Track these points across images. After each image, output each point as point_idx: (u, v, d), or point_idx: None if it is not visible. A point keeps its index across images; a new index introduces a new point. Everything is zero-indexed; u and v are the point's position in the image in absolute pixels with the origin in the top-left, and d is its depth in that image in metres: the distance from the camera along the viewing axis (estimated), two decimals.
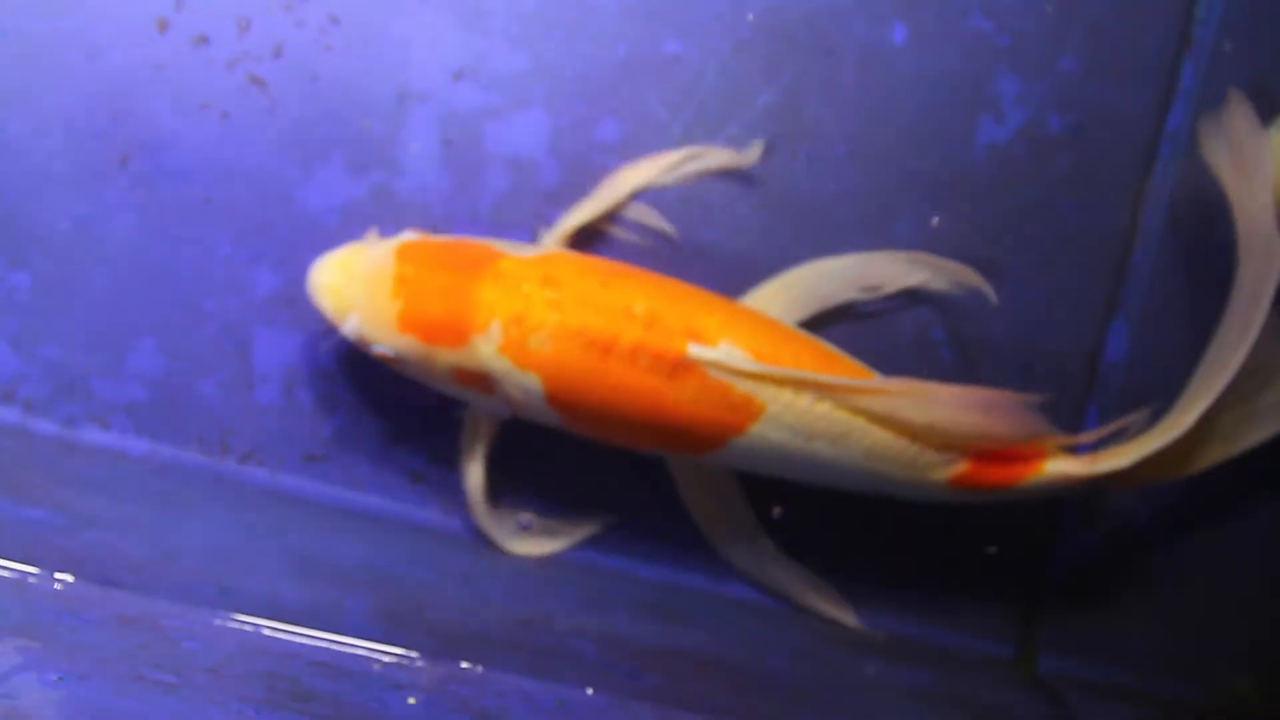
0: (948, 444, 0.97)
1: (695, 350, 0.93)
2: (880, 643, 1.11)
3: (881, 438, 0.95)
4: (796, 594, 1.11)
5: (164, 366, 1.07)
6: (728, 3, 1.07)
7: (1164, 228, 1.11)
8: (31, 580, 0.82)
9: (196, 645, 0.81)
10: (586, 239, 1.06)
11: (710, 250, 1.08)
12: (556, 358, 0.93)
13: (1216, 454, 1.01)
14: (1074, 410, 1.12)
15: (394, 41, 1.05)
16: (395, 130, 1.06)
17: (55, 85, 1.04)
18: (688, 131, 1.07)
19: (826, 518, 1.10)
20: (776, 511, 1.10)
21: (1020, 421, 0.96)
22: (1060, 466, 0.99)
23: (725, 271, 1.06)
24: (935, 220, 1.09)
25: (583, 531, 1.10)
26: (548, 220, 1.06)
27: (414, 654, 0.85)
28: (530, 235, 1.06)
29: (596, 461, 1.09)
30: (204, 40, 1.04)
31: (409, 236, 0.98)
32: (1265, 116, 0.99)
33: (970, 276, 1.05)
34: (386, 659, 0.84)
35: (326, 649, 0.84)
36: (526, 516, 1.10)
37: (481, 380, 0.96)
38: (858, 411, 0.94)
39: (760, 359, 0.94)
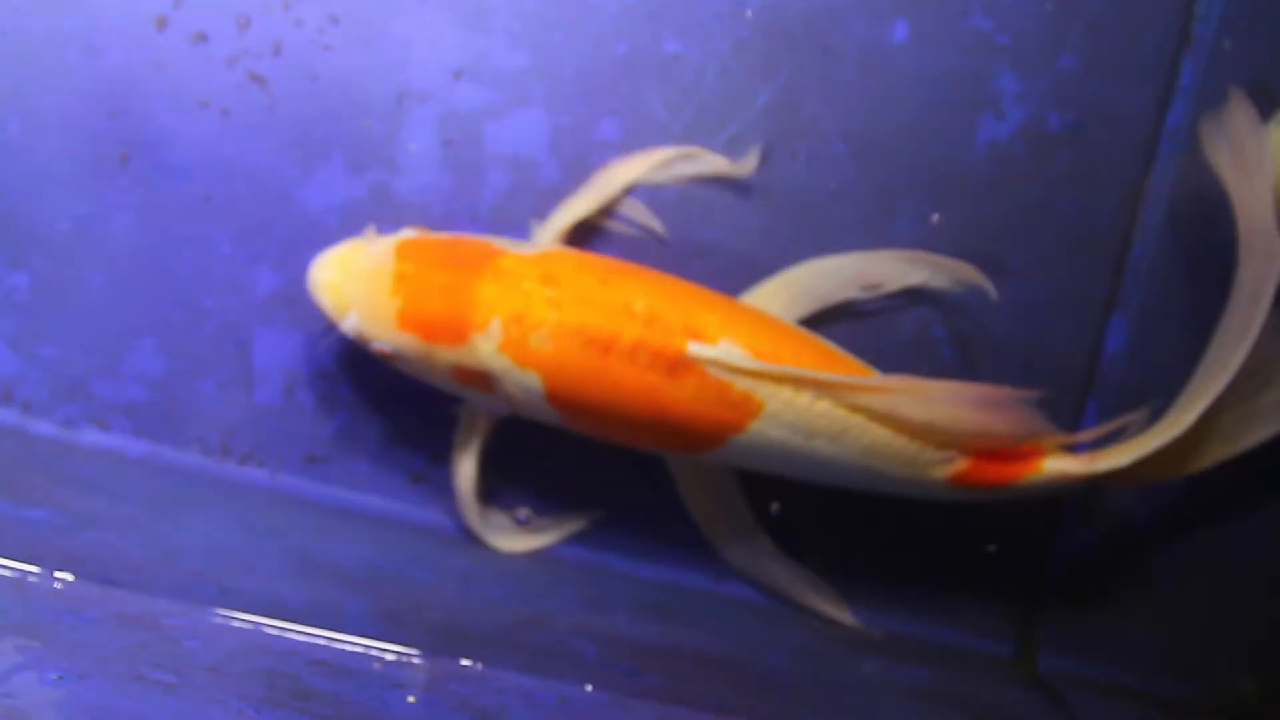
0: (947, 442, 0.97)
1: (694, 348, 0.92)
2: (880, 641, 1.11)
3: (880, 435, 0.95)
4: (794, 593, 1.11)
5: (164, 367, 1.07)
6: (727, 2, 1.07)
7: (1163, 225, 1.11)
8: (31, 579, 0.82)
9: (196, 644, 0.81)
10: (585, 234, 1.07)
11: (710, 249, 1.08)
12: (556, 356, 0.93)
13: (1216, 454, 1.01)
14: (1073, 407, 1.12)
15: (393, 41, 1.05)
16: (395, 130, 1.06)
17: (54, 84, 1.03)
18: (688, 131, 1.07)
19: (827, 516, 1.10)
20: (775, 507, 1.10)
21: (1018, 419, 0.96)
22: (1058, 465, 0.99)
23: (725, 271, 1.06)
24: (935, 217, 1.09)
25: (568, 528, 1.11)
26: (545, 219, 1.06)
27: (414, 652, 0.85)
28: (529, 234, 1.06)
29: (596, 460, 1.08)
30: (203, 38, 1.04)
31: (408, 233, 0.98)
32: (1265, 113, 0.99)
33: (970, 274, 1.05)
34: (386, 657, 0.84)
35: (326, 647, 0.84)
36: (524, 512, 1.10)
37: (481, 378, 0.96)
38: (857, 409, 0.94)
39: (759, 357, 0.94)
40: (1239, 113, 0.99)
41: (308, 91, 1.05)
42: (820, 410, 0.94)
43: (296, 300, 1.06)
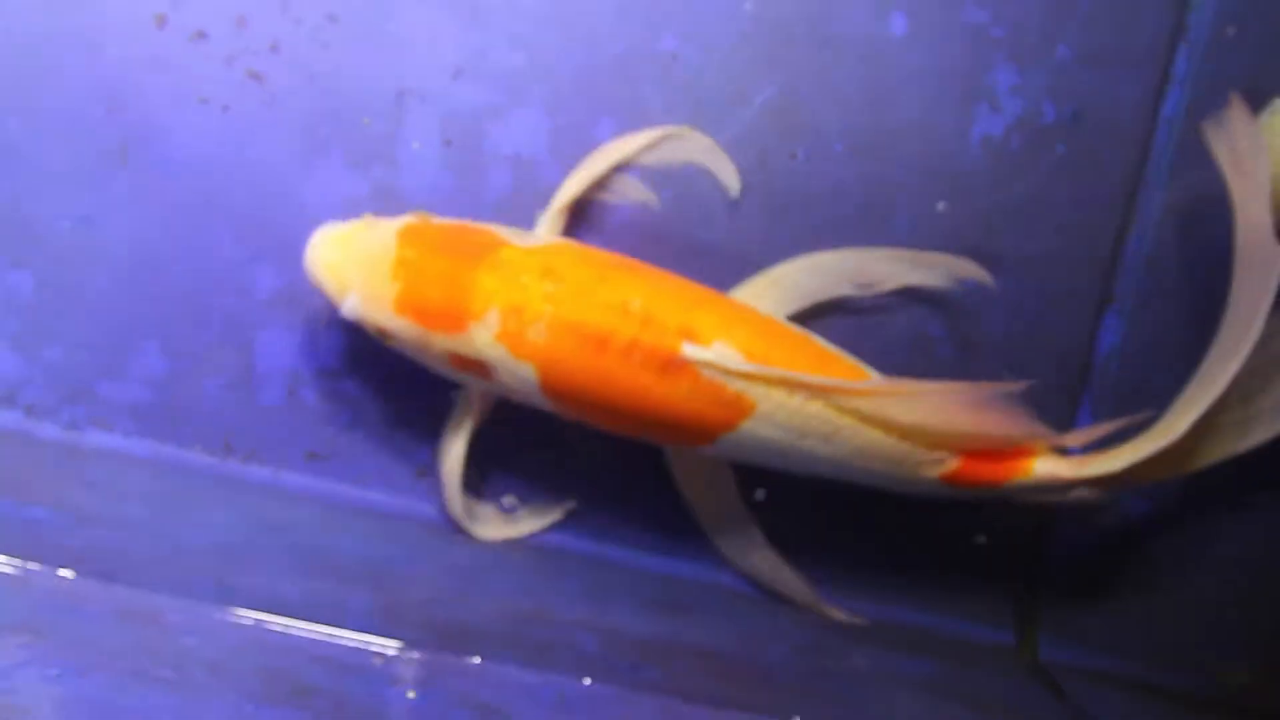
0: (938, 443, 0.97)
1: (688, 350, 0.93)
2: (880, 632, 1.11)
3: (872, 436, 0.95)
4: (780, 586, 1.11)
5: (167, 367, 1.07)
6: None
7: (1159, 218, 1.11)
8: (33, 576, 0.82)
9: (196, 640, 0.81)
10: (588, 223, 1.07)
11: (709, 248, 1.09)
12: (552, 350, 0.94)
13: (1210, 456, 1.00)
14: (1067, 402, 1.12)
15: (392, 40, 1.05)
16: (395, 128, 1.06)
17: (54, 83, 1.04)
18: None
19: (825, 506, 1.10)
20: (760, 494, 1.10)
21: (1008, 419, 0.96)
22: (1049, 467, 0.99)
23: (724, 270, 1.06)
24: (941, 205, 1.09)
25: (547, 517, 1.11)
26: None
27: (413, 648, 0.85)
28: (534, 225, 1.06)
29: (597, 452, 1.09)
30: (202, 36, 1.04)
31: (411, 219, 0.98)
32: (1261, 102, 0.99)
33: (966, 268, 1.06)
34: (387, 653, 0.84)
35: (326, 643, 0.84)
36: (509, 500, 1.11)
37: (477, 366, 0.96)
38: (848, 411, 0.95)
39: (753, 358, 0.94)
40: (1237, 119, 0.99)
41: (307, 90, 1.05)
42: (812, 411, 0.94)
43: (298, 299, 1.06)
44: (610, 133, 1.07)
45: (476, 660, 0.86)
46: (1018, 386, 0.94)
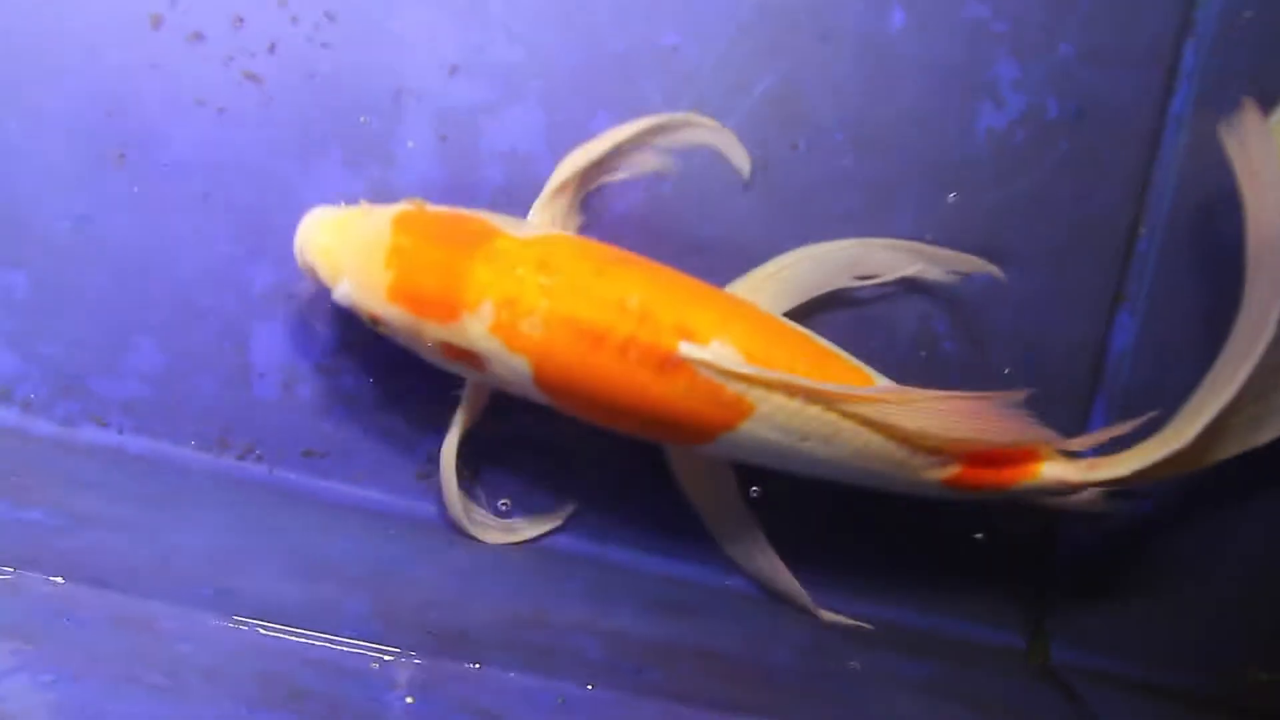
0: (940, 448, 0.96)
1: (686, 349, 0.92)
2: (886, 635, 1.11)
3: (873, 439, 0.95)
4: (777, 587, 1.10)
5: (162, 363, 1.07)
6: None
7: (1169, 215, 1.10)
8: (26, 582, 0.81)
9: (190, 646, 0.80)
10: (584, 212, 1.05)
11: (708, 243, 1.08)
12: (546, 344, 0.93)
13: (1221, 453, 1.00)
14: (1080, 402, 1.12)
15: (389, 37, 1.05)
16: (392, 126, 1.06)
17: (51, 84, 1.03)
18: None
19: (831, 506, 1.09)
20: (755, 491, 1.09)
21: (1012, 426, 0.95)
22: (1056, 471, 0.98)
23: (723, 264, 1.05)
24: (952, 196, 1.08)
25: (547, 524, 1.10)
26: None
27: (412, 652, 0.85)
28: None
29: (597, 453, 1.09)
30: (198, 37, 1.04)
31: (406, 206, 0.97)
32: (1273, 100, 0.99)
33: (969, 263, 1.05)
34: (384, 658, 0.84)
35: (323, 648, 0.83)
36: (505, 502, 1.10)
37: (470, 357, 0.95)
38: (849, 413, 0.94)
39: (752, 358, 0.93)
40: (1249, 121, 0.98)
41: (304, 89, 1.05)
42: (812, 414, 0.93)
43: (295, 296, 1.06)
44: (608, 127, 1.05)
45: (476, 665, 0.86)
46: (1022, 395, 0.93)
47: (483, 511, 1.09)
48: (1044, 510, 1.07)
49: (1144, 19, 1.08)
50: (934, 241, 1.07)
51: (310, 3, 1.04)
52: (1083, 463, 0.99)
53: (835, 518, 1.11)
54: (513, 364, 0.94)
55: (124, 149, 1.04)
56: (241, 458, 1.09)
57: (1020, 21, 1.07)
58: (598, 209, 1.06)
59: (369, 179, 1.05)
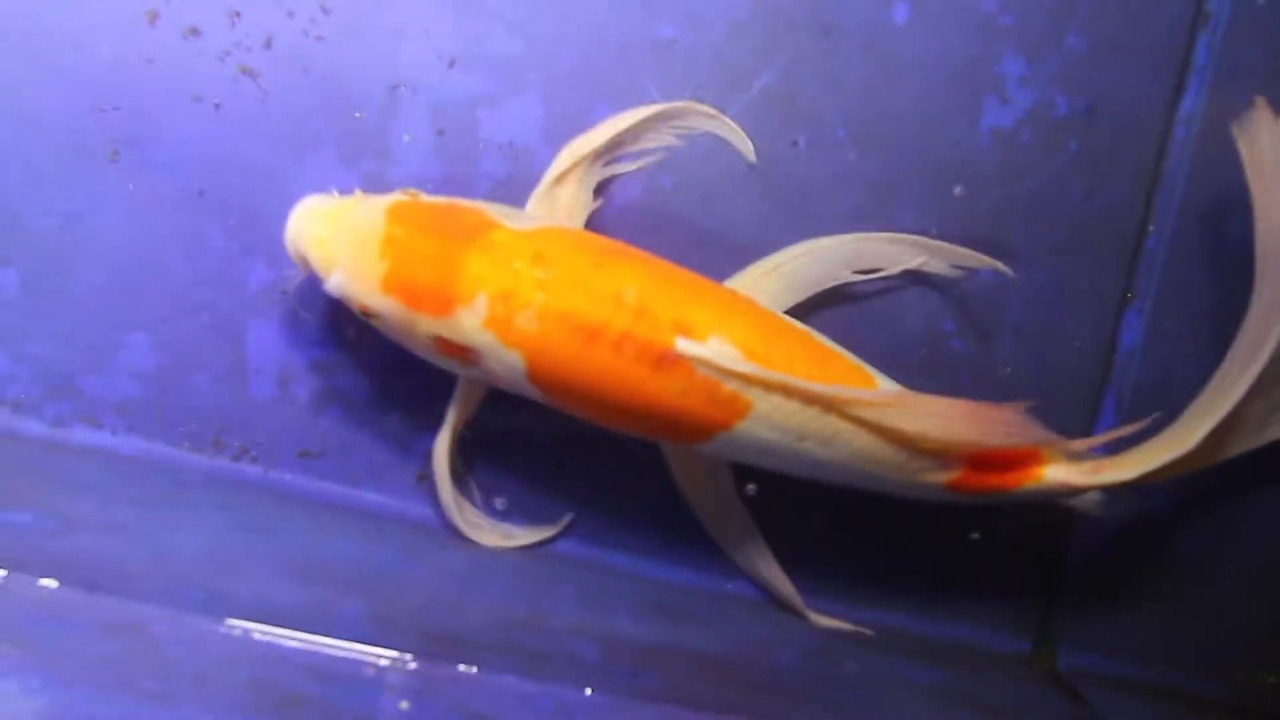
0: (940, 452, 0.95)
1: (683, 345, 0.91)
2: (891, 639, 1.10)
3: (872, 441, 0.94)
4: (772, 587, 1.10)
5: (155, 362, 1.06)
6: None
7: (1179, 213, 1.10)
8: (14, 585, 0.80)
9: (183, 651, 0.79)
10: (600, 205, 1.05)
11: (708, 239, 1.07)
12: (541, 338, 0.91)
13: (1226, 453, 0.99)
14: (1089, 400, 1.11)
15: (386, 30, 1.04)
16: (388, 120, 1.05)
17: (44, 79, 1.02)
18: None
19: (836, 510, 1.09)
20: (750, 488, 1.09)
21: (1015, 429, 0.94)
22: (1060, 474, 0.98)
23: (723, 260, 1.05)
24: (958, 190, 1.08)
25: (545, 531, 1.10)
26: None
27: (407, 656, 0.83)
28: None
29: (595, 456, 1.08)
30: (194, 32, 1.03)
31: (400, 196, 0.96)
32: None
33: (973, 258, 1.05)
34: (379, 662, 0.83)
35: (317, 653, 0.82)
36: (501, 501, 1.09)
37: (462, 351, 0.94)
38: (848, 415, 0.93)
39: (751, 356, 0.92)
40: (1261, 122, 0.97)
41: (300, 84, 1.04)
42: (810, 414, 0.93)
43: (288, 291, 1.05)
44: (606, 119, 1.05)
45: (472, 669, 0.84)
46: (1022, 407, 0.92)
47: (478, 513, 1.08)
48: (1052, 513, 1.07)
49: (1156, 9, 1.08)
50: (938, 237, 1.06)
51: None
52: (1086, 465, 0.98)
53: (838, 521, 1.11)
54: (506, 359, 0.93)
55: (117, 145, 1.03)
56: (236, 459, 1.08)
57: (1027, 15, 1.07)
58: (597, 204, 1.04)
59: (365, 174, 1.04)
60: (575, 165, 1.01)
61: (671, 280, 0.95)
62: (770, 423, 0.93)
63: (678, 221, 1.07)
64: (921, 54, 1.07)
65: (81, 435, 1.06)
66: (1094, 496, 1.03)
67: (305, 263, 0.96)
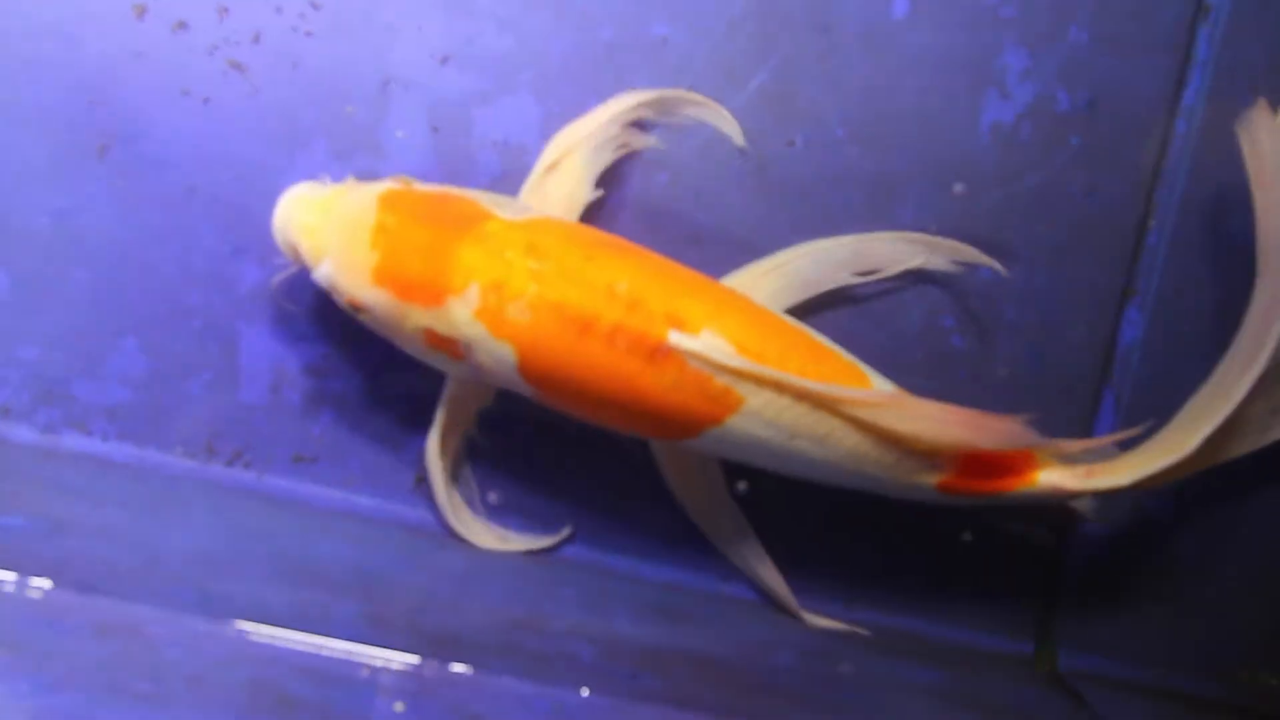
0: (933, 452, 0.95)
1: (675, 338, 0.90)
2: (890, 640, 1.10)
3: (865, 440, 0.94)
4: (767, 585, 1.09)
5: (147, 367, 1.06)
6: None
7: (1180, 208, 1.09)
8: (7, 588, 0.79)
9: (177, 652, 0.79)
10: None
11: (705, 238, 1.07)
12: (533, 330, 0.91)
13: (1224, 457, 0.99)
14: (1089, 397, 1.11)
15: (377, 26, 1.04)
16: (380, 117, 1.04)
17: (32, 75, 1.02)
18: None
19: (834, 511, 1.08)
20: (741, 486, 1.08)
21: (1009, 439, 0.94)
22: (1054, 479, 0.97)
23: (721, 261, 1.04)
24: (958, 187, 1.07)
25: (543, 541, 1.09)
26: None
27: (403, 658, 0.83)
28: None
29: (593, 457, 1.08)
30: (183, 26, 1.02)
31: (392, 184, 0.95)
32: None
33: (972, 254, 1.04)
34: (375, 663, 0.82)
35: (312, 654, 0.82)
36: (493, 495, 1.09)
37: (451, 345, 0.94)
38: (841, 413, 0.92)
39: (744, 351, 0.92)
40: (1262, 125, 0.97)
41: (290, 79, 1.03)
42: (803, 411, 0.92)
43: (284, 296, 1.04)
44: None
45: (468, 670, 0.84)
46: (1021, 419, 0.91)
47: (475, 515, 1.08)
48: (1052, 513, 1.06)
49: (1157, 3, 1.07)
50: (937, 234, 1.06)
51: None
52: (1080, 469, 0.98)
53: (835, 521, 1.10)
54: (497, 352, 0.92)
55: (106, 141, 1.03)
56: (229, 464, 1.07)
57: (1029, 7, 1.06)
58: (597, 194, 1.03)
59: (357, 171, 1.03)
60: (565, 155, 1.00)
61: (665, 274, 0.95)
62: (762, 419, 0.92)
63: (674, 220, 1.06)
64: (921, 48, 1.06)
65: (73, 442, 1.05)
66: (1090, 501, 1.02)
67: (294, 252, 0.96)
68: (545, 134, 1.04)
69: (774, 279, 1.03)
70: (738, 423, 0.93)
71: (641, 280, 0.92)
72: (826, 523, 1.10)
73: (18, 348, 1.04)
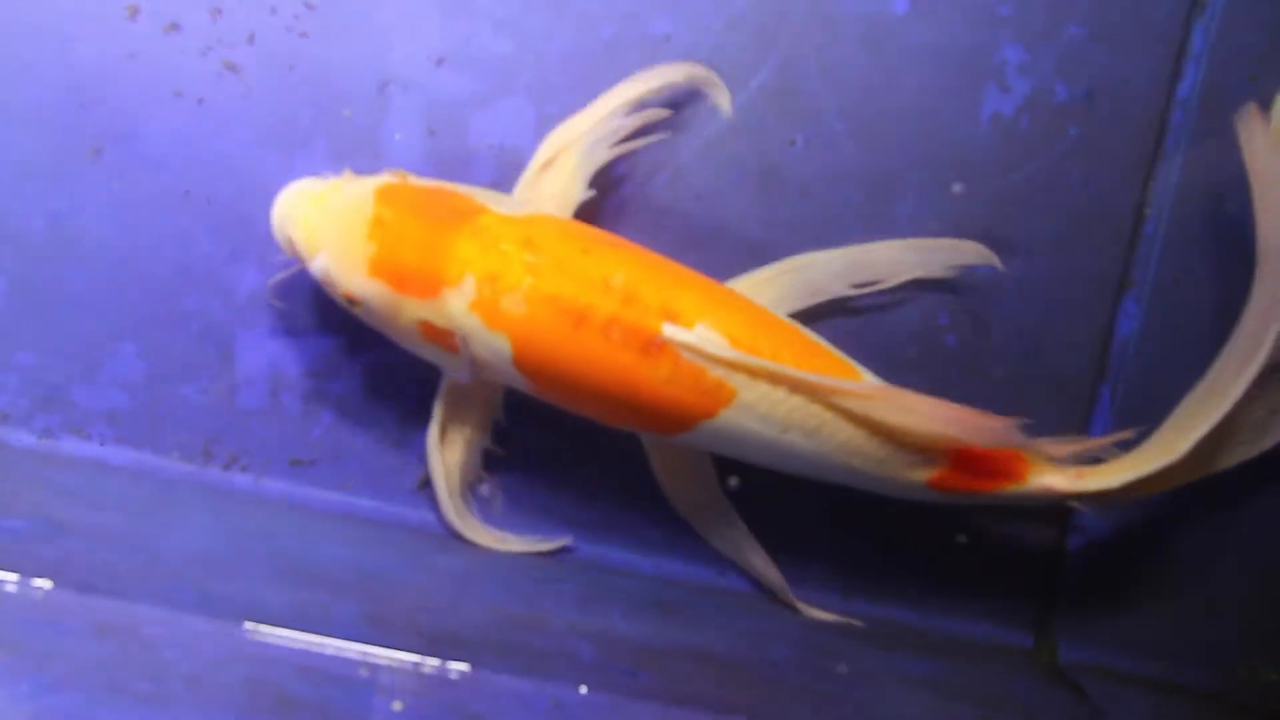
0: (924, 446, 0.95)
1: (670, 331, 0.91)
2: (890, 633, 1.10)
3: (857, 434, 0.94)
4: (757, 574, 1.09)
5: (144, 371, 1.06)
6: None
7: (1176, 199, 1.09)
8: (8, 589, 0.80)
9: (176, 652, 0.79)
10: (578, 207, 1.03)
11: (706, 238, 1.07)
12: (528, 322, 0.91)
13: (1218, 466, 1.00)
14: (1085, 389, 1.10)
15: (373, 28, 1.03)
16: (378, 119, 1.04)
17: (25, 76, 1.02)
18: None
19: (834, 506, 1.08)
20: (733, 481, 1.08)
21: (1001, 438, 0.94)
22: (1043, 480, 0.98)
23: (721, 260, 1.04)
24: (957, 187, 1.07)
25: (541, 546, 1.08)
26: None
27: (402, 657, 0.83)
28: None
29: (593, 455, 1.08)
30: (175, 27, 1.02)
31: (388, 178, 0.96)
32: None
33: (974, 252, 1.05)
34: (373, 663, 0.82)
35: (311, 653, 0.82)
36: (486, 488, 1.08)
37: (446, 337, 0.94)
38: (833, 406, 0.92)
39: (738, 345, 0.92)
40: (1255, 131, 0.97)
41: (285, 81, 1.03)
42: (795, 404, 0.92)
43: (281, 298, 1.04)
44: None
45: (467, 668, 0.84)
46: (1015, 422, 0.91)
47: (476, 515, 1.07)
48: (1052, 507, 1.06)
49: None
50: (939, 232, 1.06)
51: None
52: (1070, 471, 0.98)
53: (833, 516, 1.10)
54: (492, 343, 0.92)
55: (100, 143, 1.03)
56: (227, 468, 1.07)
57: (1027, 2, 1.06)
58: (590, 202, 1.03)
59: (355, 172, 1.03)
60: (560, 151, 1.00)
61: (660, 268, 0.95)
62: (755, 412, 0.92)
63: (675, 220, 1.06)
64: (920, 44, 1.06)
65: (71, 446, 1.05)
66: (1075, 503, 1.03)
67: (292, 246, 0.96)
68: (543, 136, 1.03)
69: (771, 288, 1.03)
70: (731, 416, 0.93)
71: (637, 274, 0.92)
72: (824, 517, 1.10)
73: (15, 353, 1.04)
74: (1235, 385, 0.94)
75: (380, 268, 0.92)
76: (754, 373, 0.91)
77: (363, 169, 1.01)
